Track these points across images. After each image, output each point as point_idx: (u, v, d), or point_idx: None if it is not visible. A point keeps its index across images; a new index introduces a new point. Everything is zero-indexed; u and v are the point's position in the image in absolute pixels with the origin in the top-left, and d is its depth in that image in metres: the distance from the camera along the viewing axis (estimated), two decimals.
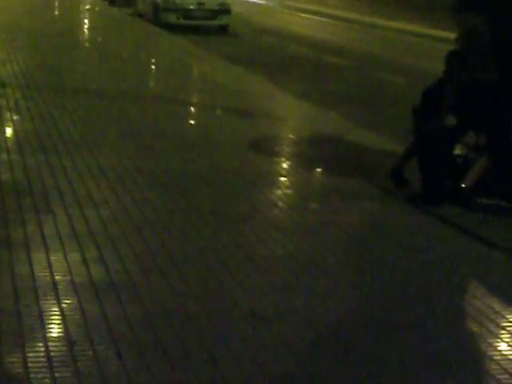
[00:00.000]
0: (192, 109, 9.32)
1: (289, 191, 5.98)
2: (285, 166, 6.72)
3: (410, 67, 14.14)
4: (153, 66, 12.80)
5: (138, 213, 5.09)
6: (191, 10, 17.52)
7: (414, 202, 5.78)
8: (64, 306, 3.67)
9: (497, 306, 4.08)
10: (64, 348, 3.28)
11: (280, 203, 5.57)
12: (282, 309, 3.83)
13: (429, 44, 17.74)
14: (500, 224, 5.47)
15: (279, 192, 5.88)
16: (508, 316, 3.99)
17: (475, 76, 5.58)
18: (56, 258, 4.22)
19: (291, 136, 8.02)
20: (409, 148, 6.13)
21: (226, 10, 17.81)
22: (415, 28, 21.00)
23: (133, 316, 3.60)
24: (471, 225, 5.37)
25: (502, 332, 3.80)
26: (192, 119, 8.74)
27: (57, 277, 3.97)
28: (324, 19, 24.09)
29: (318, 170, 6.65)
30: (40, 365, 3.12)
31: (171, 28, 16.86)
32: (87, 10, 21.49)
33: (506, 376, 3.36)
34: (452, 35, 6.28)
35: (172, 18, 17.47)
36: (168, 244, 4.59)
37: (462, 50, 5.70)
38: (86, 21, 19.74)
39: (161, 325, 3.55)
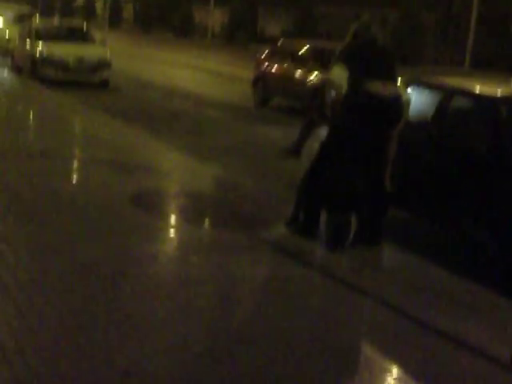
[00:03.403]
0: (71, 165, 9.12)
1: (168, 245, 5.93)
2: (165, 219, 6.67)
3: (284, 118, 14.52)
4: (30, 123, 12.50)
5: (8, 274, 4.88)
6: (70, 64, 17.27)
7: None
8: None
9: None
10: None
11: (159, 257, 5.51)
12: (158, 369, 3.74)
13: None
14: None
15: (158, 246, 5.81)
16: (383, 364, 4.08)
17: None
18: None
19: (172, 190, 8.00)
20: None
21: (106, 64, 17.67)
22: None
23: None
24: (343, 272, 5.50)
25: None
26: (71, 175, 8.55)
27: None
28: (207, 74, 24.44)
29: (200, 223, 6.65)
30: None
31: (50, 83, 16.58)
32: None
33: None
34: None
35: (51, 73, 17.16)
36: (39, 303, 4.41)
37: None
38: None
39: None
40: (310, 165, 6.32)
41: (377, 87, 5.94)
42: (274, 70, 16.32)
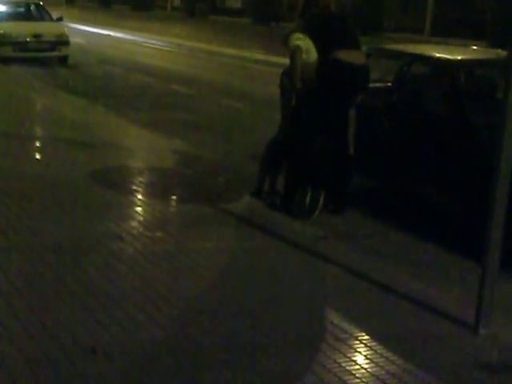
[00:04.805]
0: (32, 144, 8.97)
1: (132, 221, 5.89)
2: (129, 196, 6.61)
3: (250, 92, 14.47)
4: None
5: None
6: (28, 42, 16.98)
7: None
8: None
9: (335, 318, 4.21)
10: None
11: (124, 234, 5.46)
12: (125, 344, 3.73)
13: (268, 70, 18.25)
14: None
15: (123, 223, 5.77)
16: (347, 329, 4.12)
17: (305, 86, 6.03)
18: None
19: (136, 166, 7.92)
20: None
21: (64, 42, 17.40)
22: (256, 55, 21.57)
23: None
24: (308, 241, 5.52)
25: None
26: (32, 155, 8.41)
27: None
28: (169, 49, 24.18)
29: (164, 199, 6.61)
30: None
31: (7, 61, 16.27)
32: None
33: None
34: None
35: (8, 51, 16.86)
36: (5, 284, 4.36)
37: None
38: None
39: None
40: (277, 138, 6.34)
41: (347, 56, 5.97)
42: None
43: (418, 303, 4.49)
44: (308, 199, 6.24)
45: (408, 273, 5.08)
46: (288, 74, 6.21)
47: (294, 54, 6.07)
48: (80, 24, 29.84)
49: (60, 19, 18.88)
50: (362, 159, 6.60)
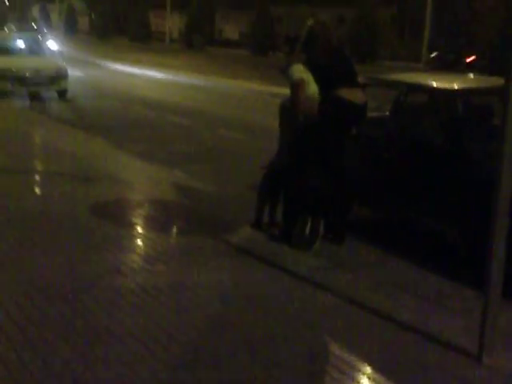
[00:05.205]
0: (32, 178, 8.99)
1: (133, 255, 5.88)
2: (129, 228, 6.61)
3: (248, 123, 14.54)
4: None
5: None
6: (26, 76, 17.08)
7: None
8: None
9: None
10: None
11: (124, 268, 5.45)
12: (127, 381, 3.70)
13: (265, 99, 18.37)
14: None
15: (123, 257, 5.76)
16: (346, 359, 4.10)
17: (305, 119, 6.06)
18: None
19: (136, 198, 7.93)
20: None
21: (63, 75, 17.51)
22: (253, 85, 21.72)
23: None
24: (309, 272, 5.51)
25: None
26: (31, 189, 8.42)
27: None
28: (167, 80, 24.34)
29: (164, 231, 6.61)
30: None
31: (6, 95, 16.36)
32: None
33: None
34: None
35: (7, 86, 16.94)
36: (5, 320, 4.34)
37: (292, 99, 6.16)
38: None
39: None
40: (275, 168, 6.35)
41: (349, 94, 6.02)
42: None
43: (419, 333, 4.47)
44: (308, 229, 6.24)
45: (409, 302, 5.06)
46: (287, 105, 6.24)
47: (297, 87, 6.07)
48: (79, 56, 30.08)
49: (60, 53, 19.04)
50: (361, 188, 6.61)
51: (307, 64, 6.13)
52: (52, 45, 24.38)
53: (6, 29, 29.41)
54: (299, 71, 6.08)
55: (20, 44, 19.21)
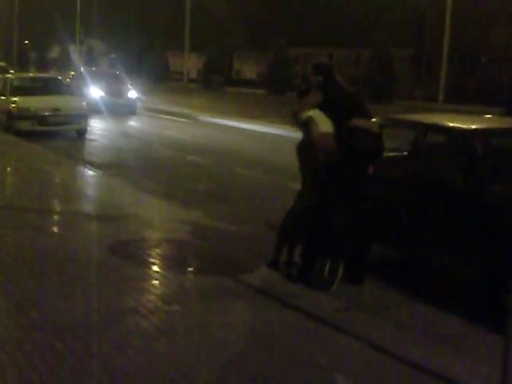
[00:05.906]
0: (50, 218, 9.03)
1: (150, 295, 5.85)
2: (146, 269, 6.59)
3: (266, 162, 14.58)
4: (8, 176, 12.41)
5: None
6: (47, 116, 17.30)
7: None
8: None
9: None
10: None
11: (141, 309, 5.42)
12: None
13: (282, 140, 18.44)
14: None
15: (140, 297, 5.73)
16: None
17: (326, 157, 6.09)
18: None
19: (154, 238, 7.92)
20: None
21: (83, 115, 17.73)
22: (268, 125, 21.86)
23: None
24: (328, 314, 5.45)
25: None
26: (49, 229, 8.45)
27: None
28: (185, 120, 24.54)
29: (181, 271, 6.58)
30: None
31: (27, 135, 16.55)
32: None
33: None
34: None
35: (27, 125, 17.16)
36: (18, 360, 4.31)
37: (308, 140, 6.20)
38: None
39: None
40: (298, 208, 6.31)
41: (364, 123, 6.04)
42: None
43: (440, 377, 4.38)
44: (327, 270, 6.18)
45: (429, 346, 4.97)
46: (302, 146, 6.25)
47: (307, 125, 6.11)
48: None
49: (79, 93, 19.30)
50: (380, 229, 6.56)
51: (323, 103, 6.16)
52: (132, 93, 25.13)
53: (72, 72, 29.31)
54: (306, 112, 6.15)
55: (40, 84, 19.51)
